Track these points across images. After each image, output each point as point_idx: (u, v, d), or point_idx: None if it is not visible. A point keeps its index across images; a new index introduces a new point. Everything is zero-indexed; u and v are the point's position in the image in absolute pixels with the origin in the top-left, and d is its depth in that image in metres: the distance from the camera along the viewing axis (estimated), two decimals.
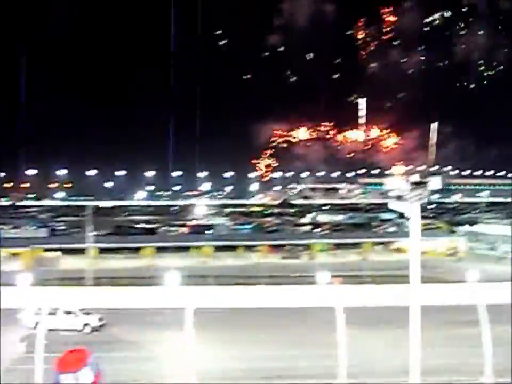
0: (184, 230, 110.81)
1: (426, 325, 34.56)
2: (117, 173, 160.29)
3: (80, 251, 74.43)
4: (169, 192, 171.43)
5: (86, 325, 47.55)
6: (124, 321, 45.45)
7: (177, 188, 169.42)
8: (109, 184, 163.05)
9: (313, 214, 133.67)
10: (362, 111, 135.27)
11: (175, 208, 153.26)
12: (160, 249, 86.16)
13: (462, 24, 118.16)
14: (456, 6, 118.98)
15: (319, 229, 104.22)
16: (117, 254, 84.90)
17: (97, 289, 56.87)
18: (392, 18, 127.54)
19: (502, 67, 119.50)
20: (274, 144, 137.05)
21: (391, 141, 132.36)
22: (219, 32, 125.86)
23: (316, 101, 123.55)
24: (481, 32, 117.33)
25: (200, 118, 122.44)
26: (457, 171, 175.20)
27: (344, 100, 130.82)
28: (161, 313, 40.29)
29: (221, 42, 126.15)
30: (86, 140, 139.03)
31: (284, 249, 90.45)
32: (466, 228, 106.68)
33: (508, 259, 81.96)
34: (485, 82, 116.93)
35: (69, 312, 47.29)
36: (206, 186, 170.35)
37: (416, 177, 32.17)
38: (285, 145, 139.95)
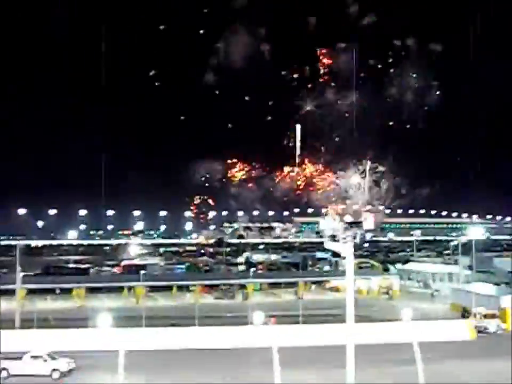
0: (117, 270, 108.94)
1: (361, 364, 34.48)
2: (49, 212, 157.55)
3: (10, 292, 72.01)
4: (102, 231, 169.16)
5: (54, 370, 45.28)
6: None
7: (110, 226, 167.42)
8: (40, 223, 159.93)
9: (248, 253, 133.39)
10: (297, 151, 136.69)
11: (108, 247, 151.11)
12: (93, 290, 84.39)
13: (396, 66, 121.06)
14: (389, 48, 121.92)
15: (254, 268, 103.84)
16: (47, 295, 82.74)
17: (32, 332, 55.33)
18: (327, 60, 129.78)
19: (434, 108, 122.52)
20: (209, 183, 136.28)
21: (326, 180, 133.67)
22: (153, 72, 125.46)
23: (252, 140, 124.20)
24: (414, 74, 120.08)
25: (134, 156, 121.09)
26: (390, 210, 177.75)
27: (279, 140, 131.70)
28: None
29: (157, 83, 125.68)
30: (14, 178, 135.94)
31: (219, 289, 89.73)
32: (400, 266, 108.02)
33: (440, 297, 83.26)
34: (418, 122, 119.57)
35: (37, 357, 45.38)
36: (139, 225, 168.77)
37: (349, 217, 32.41)
38: (220, 184, 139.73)
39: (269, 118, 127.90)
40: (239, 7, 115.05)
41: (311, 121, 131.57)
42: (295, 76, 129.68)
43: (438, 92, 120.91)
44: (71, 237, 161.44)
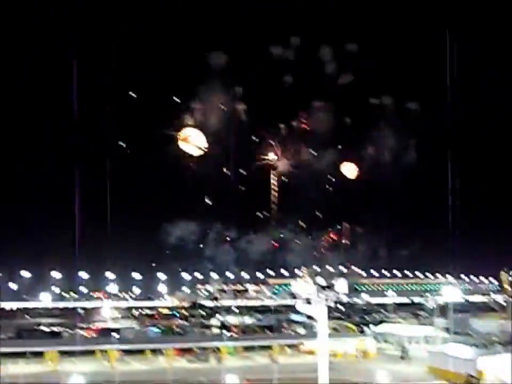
0: (90, 332, 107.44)
1: None
2: (21, 273, 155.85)
3: None
4: (75, 294, 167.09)
5: None
6: None
7: (84, 289, 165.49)
8: (12, 285, 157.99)
9: (222, 315, 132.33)
10: (273, 212, 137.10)
11: (81, 310, 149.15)
12: (65, 353, 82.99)
13: (372, 126, 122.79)
14: (365, 107, 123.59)
15: (228, 331, 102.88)
16: (19, 358, 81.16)
17: None
18: (303, 120, 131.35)
19: (411, 167, 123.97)
20: (183, 244, 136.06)
21: (302, 241, 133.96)
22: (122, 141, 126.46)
23: (227, 203, 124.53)
24: (390, 133, 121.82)
25: (107, 218, 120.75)
26: (364, 271, 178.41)
27: (254, 201, 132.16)
28: None
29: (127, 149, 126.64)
30: None
31: (193, 352, 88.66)
32: (375, 328, 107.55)
33: (416, 359, 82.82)
34: (395, 182, 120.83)
35: None
36: (112, 287, 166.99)
37: (323, 280, 32.58)
38: (194, 246, 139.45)
39: (243, 187, 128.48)
40: (216, 66, 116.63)
41: (286, 182, 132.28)
42: (271, 135, 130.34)
43: (414, 151, 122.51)
44: (44, 299, 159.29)
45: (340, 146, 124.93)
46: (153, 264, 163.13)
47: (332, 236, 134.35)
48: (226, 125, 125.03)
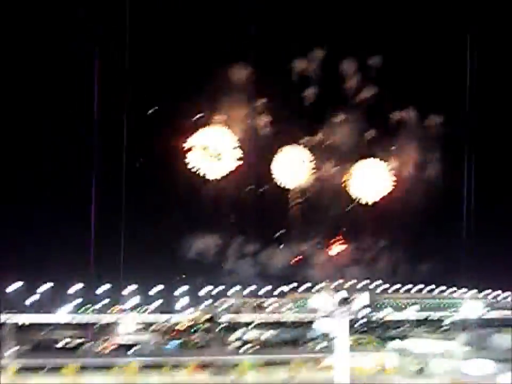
0: (109, 347, 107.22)
1: None
2: (41, 288, 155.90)
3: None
4: (95, 307, 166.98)
5: None
6: None
7: (104, 302, 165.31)
8: (32, 299, 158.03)
9: (243, 330, 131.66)
10: (295, 226, 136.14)
11: (101, 323, 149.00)
12: (84, 367, 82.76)
13: (393, 139, 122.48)
14: (387, 120, 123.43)
15: (248, 346, 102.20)
16: (38, 371, 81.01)
17: None
18: (325, 134, 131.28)
19: (433, 181, 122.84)
20: (203, 258, 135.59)
21: (323, 255, 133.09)
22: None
23: (248, 217, 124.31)
24: (412, 147, 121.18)
25: (128, 230, 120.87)
26: (387, 285, 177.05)
27: (275, 215, 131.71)
28: None
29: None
30: (6, 253, 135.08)
31: (212, 367, 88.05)
32: (396, 343, 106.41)
33: (437, 374, 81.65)
34: (417, 196, 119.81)
35: None
36: (133, 300, 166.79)
37: (344, 293, 31.88)
38: (215, 259, 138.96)
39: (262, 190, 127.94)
40: (238, 81, 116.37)
41: (309, 197, 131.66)
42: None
43: (436, 166, 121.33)
44: (64, 312, 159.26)
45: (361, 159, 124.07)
46: (178, 278, 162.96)
47: (353, 250, 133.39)
48: (248, 139, 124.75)
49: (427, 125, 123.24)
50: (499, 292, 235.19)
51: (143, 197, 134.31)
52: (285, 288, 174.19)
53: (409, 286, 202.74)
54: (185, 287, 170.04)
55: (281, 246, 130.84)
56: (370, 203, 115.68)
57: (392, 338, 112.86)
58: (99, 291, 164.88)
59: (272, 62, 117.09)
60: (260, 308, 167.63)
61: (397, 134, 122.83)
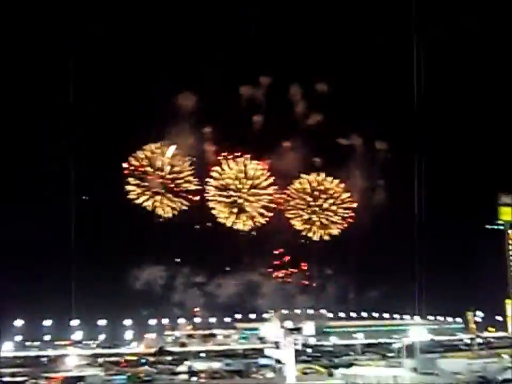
0: (55, 382, 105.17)
1: None
2: None
3: None
4: (38, 342, 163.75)
5: None
6: None
7: (47, 337, 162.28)
8: None
9: (190, 361, 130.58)
10: (240, 256, 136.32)
11: (45, 358, 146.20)
12: None
13: (341, 166, 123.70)
14: (334, 147, 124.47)
15: (196, 377, 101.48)
16: None
17: None
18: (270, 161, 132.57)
19: (379, 209, 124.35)
20: (148, 289, 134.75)
21: (270, 284, 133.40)
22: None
23: (194, 248, 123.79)
24: (358, 173, 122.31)
25: (71, 263, 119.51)
26: (332, 313, 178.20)
27: (221, 245, 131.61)
28: None
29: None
30: None
31: None
32: (344, 370, 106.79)
33: None
34: (364, 223, 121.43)
35: None
36: (77, 334, 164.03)
37: (291, 323, 32.26)
38: (161, 291, 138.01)
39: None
40: (183, 106, 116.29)
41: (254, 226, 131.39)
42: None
43: (383, 192, 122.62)
44: (6, 348, 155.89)
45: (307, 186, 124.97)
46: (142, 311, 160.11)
47: (300, 279, 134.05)
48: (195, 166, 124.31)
49: (374, 151, 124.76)
50: (445, 317, 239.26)
51: (91, 230, 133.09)
52: (233, 318, 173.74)
53: (356, 313, 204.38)
54: (131, 320, 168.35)
55: (228, 276, 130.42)
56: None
57: (340, 366, 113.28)
58: (44, 325, 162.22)
59: (219, 89, 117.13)
60: (208, 338, 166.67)
61: (344, 159, 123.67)
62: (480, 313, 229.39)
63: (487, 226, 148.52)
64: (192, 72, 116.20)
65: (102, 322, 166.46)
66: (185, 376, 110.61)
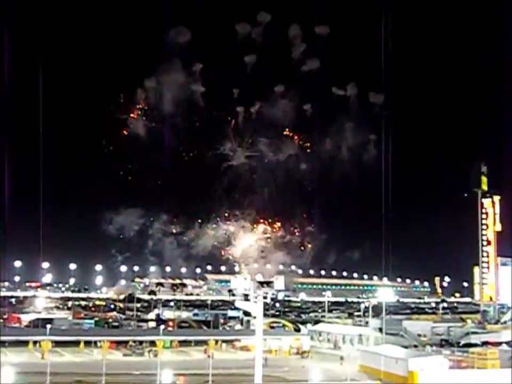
0: (23, 323, 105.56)
1: None
2: None
3: None
4: (8, 283, 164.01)
5: None
6: None
7: (17, 278, 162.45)
8: None
9: (159, 309, 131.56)
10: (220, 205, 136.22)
11: (14, 299, 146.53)
12: None
13: (334, 117, 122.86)
14: (329, 96, 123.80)
15: (164, 325, 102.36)
16: None
17: None
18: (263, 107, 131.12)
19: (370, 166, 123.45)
20: (124, 235, 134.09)
21: (246, 237, 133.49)
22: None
23: (172, 192, 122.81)
24: (349, 126, 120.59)
25: (43, 204, 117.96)
26: (302, 270, 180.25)
27: (201, 192, 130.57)
28: None
29: None
30: None
31: (128, 345, 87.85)
32: (311, 326, 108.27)
33: (350, 358, 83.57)
34: (351, 179, 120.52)
35: None
36: (47, 277, 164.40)
37: (261, 277, 32.57)
38: (136, 237, 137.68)
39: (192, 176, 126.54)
40: (174, 44, 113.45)
41: (239, 174, 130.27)
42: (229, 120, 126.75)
43: (374, 148, 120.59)
44: None
45: (297, 137, 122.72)
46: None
47: (279, 233, 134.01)
48: (182, 107, 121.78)
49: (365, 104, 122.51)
50: (414, 280, 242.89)
51: (62, 168, 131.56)
52: (204, 270, 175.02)
53: (327, 272, 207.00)
54: (103, 265, 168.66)
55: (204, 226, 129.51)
56: None
57: (307, 322, 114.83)
58: (14, 267, 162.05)
59: (213, 26, 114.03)
60: (178, 287, 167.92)
61: (334, 112, 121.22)
62: (447, 279, 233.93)
63: (465, 194, 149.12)
64: (187, 6, 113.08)
65: (72, 266, 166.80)
66: (153, 324, 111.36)
